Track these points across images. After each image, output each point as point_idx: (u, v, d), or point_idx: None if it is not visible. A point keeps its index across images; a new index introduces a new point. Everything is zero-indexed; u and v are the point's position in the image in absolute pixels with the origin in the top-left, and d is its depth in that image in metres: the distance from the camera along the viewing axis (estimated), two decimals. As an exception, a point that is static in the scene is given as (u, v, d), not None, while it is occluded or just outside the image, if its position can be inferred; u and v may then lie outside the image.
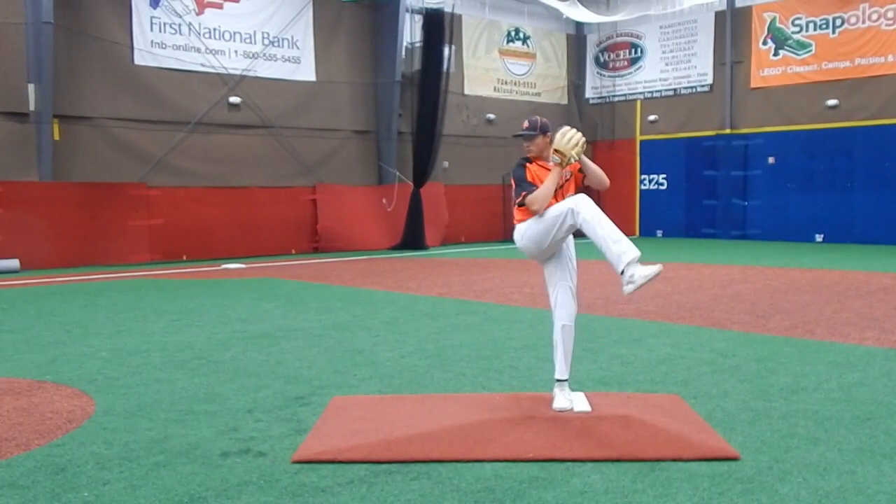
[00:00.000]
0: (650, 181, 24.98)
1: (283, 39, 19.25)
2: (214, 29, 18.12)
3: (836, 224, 20.91)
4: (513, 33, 24.37)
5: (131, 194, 16.54)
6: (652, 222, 24.82)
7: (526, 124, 4.88)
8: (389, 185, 20.72)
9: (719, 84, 23.33)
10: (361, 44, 20.73)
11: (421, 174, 20.20)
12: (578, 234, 4.73)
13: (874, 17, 20.37)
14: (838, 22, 20.96)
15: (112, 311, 9.57)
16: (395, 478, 3.81)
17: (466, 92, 22.94)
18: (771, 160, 22.22)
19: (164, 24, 17.33)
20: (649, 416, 4.64)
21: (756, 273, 13.39)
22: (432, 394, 5.43)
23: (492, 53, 23.80)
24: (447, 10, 20.09)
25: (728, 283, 12.00)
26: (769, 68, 22.29)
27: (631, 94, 25.51)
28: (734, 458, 4.01)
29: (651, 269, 4.43)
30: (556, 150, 4.62)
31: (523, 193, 4.67)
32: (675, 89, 24.45)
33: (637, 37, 25.33)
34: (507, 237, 5.16)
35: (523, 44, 24.72)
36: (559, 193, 4.75)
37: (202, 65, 17.85)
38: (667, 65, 24.63)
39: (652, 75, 24.97)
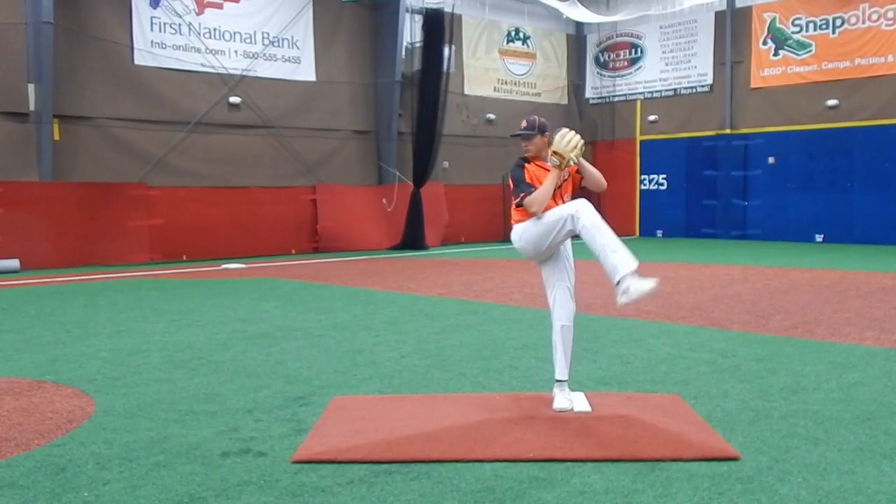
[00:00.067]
0: (650, 181, 24.98)
1: (283, 39, 19.25)
2: (214, 29, 18.12)
3: (836, 224, 20.91)
4: (513, 33, 24.37)
5: (131, 194, 16.54)
6: (652, 222, 24.83)
7: (524, 124, 4.88)
8: (389, 185, 20.72)
9: (719, 84, 23.33)
10: (361, 44, 20.73)
11: (421, 174, 20.20)
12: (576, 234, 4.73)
13: (874, 17, 20.37)
14: (838, 22, 20.96)
15: (112, 311, 9.57)
16: (395, 478, 3.81)
17: (466, 92, 22.94)
18: (771, 160, 22.22)
19: (164, 24, 17.33)
20: (649, 416, 4.64)
21: (756, 273, 13.39)
22: (432, 394, 5.43)
23: (492, 53, 23.81)
24: (447, 10, 20.09)
25: (728, 283, 12.00)
26: (769, 68, 22.29)
27: (631, 94, 25.51)
28: (734, 458, 4.01)
29: (648, 285, 4.36)
30: (554, 153, 4.62)
31: (522, 195, 4.67)
32: (675, 89, 24.45)
33: (637, 37, 25.33)
34: (507, 237, 5.16)
35: (523, 44, 24.72)
36: (557, 194, 4.75)
37: (202, 65, 17.85)
38: (667, 65, 24.63)
39: (652, 75, 24.97)
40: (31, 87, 15.38)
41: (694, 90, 24.01)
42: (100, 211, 16.04)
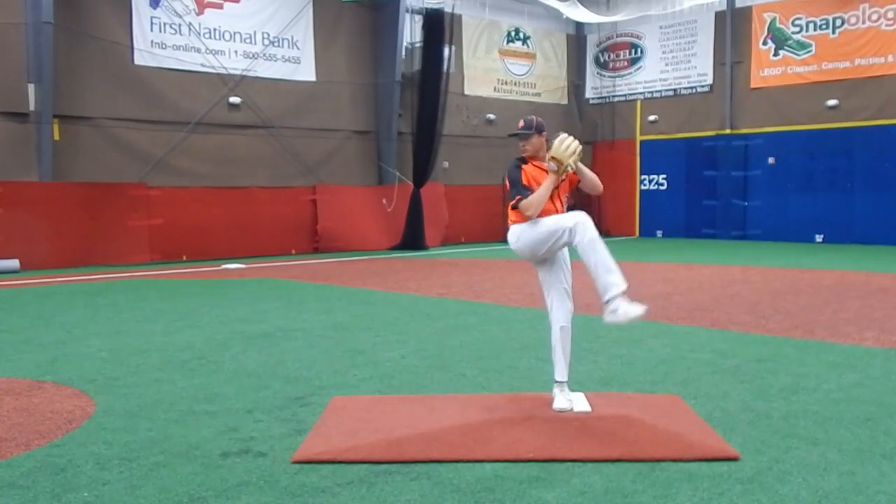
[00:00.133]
0: (650, 181, 24.98)
1: (283, 39, 19.25)
2: (214, 29, 18.12)
3: (836, 224, 20.91)
4: (513, 33, 24.37)
5: (131, 194, 16.54)
6: (652, 222, 24.83)
7: (521, 123, 4.88)
8: (389, 186, 20.72)
9: (719, 84, 23.34)
10: (361, 44, 20.73)
11: (421, 174, 20.20)
12: None
13: (874, 17, 20.38)
14: (838, 22, 20.97)
15: (112, 312, 9.57)
16: (395, 478, 3.81)
17: (466, 92, 22.94)
18: (771, 160, 22.22)
19: (164, 24, 17.33)
20: (649, 416, 4.64)
21: (756, 273, 13.39)
22: (432, 394, 5.43)
23: (492, 54, 23.81)
24: (447, 10, 20.09)
25: (728, 283, 12.00)
26: (769, 68, 22.29)
27: (631, 94, 25.52)
28: (734, 459, 4.01)
29: (636, 310, 4.43)
30: (553, 158, 4.63)
31: (518, 197, 4.68)
32: (675, 89, 24.45)
33: (637, 37, 25.34)
34: (507, 237, 5.18)
35: (523, 44, 24.73)
36: (555, 194, 4.76)
37: (202, 65, 17.86)
38: (667, 65, 24.63)
39: (652, 75, 24.97)
40: (31, 87, 15.38)
41: (694, 90, 24.02)
42: (100, 211, 16.04)
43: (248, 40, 18.69)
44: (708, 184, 23.43)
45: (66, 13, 15.80)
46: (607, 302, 4.48)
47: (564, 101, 25.96)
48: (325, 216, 19.49)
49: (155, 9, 17.19)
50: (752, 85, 22.62)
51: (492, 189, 22.59)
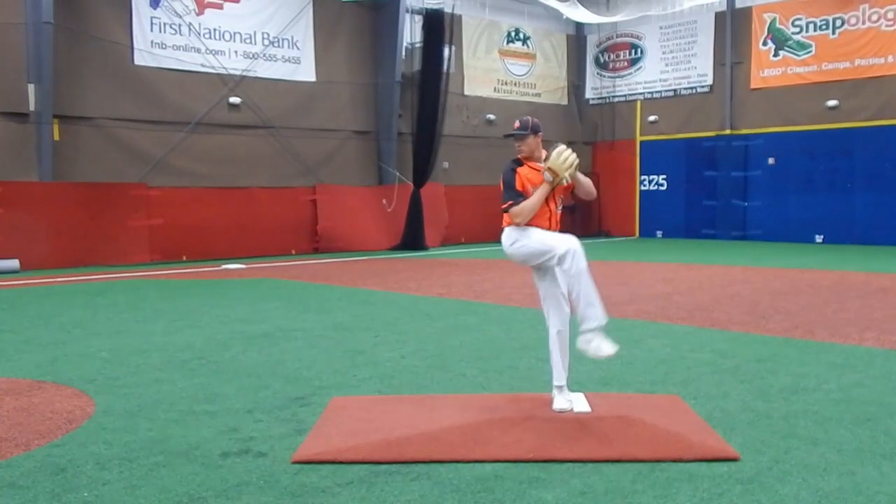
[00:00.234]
0: (650, 182, 24.98)
1: (283, 40, 19.25)
2: (214, 29, 18.12)
3: (836, 225, 20.91)
4: (513, 34, 24.37)
5: (131, 194, 16.54)
6: (652, 223, 24.83)
7: (517, 124, 4.89)
8: (389, 186, 20.72)
9: (719, 85, 23.34)
10: (361, 44, 20.73)
11: (421, 174, 20.19)
12: (572, 233, 4.76)
13: (874, 17, 20.38)
14: (838, 23, 20.97)
15: (112, 312, 9.57)
16: (395, 478, 3.81)
17: (466, 92, 22.94)
18: (771, 161, 22.22)
19: (165, 24, 17.33)
20: (649, 416, 4.65)
21: (756, 274, 13.39)
22: (432, 394, 5.43)
23: (492, 54, 23.81)
24: (447, 10, 20.09)
25: (728, 283, 12.00)
26: (769, 69, 22.29)
27: (631, 94, 25.52)
28: (734, 459, 4.01)
29: (607, 350, 4.59)
30: (549, 168, 4.64)
31: (510, 202, 4.70)
32: (675, 90, 24.45)
33: (637, 37, 25.34)
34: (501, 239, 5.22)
35: (523, 44, 24.72)
36: (550, 196, 4.78)
37: (202, 65, 17.85)
38: (667, 65, 24.63)
39: (652, 76, 24.97)
40: (31, 87, 15.37)
41: (694, 91, 24.02)
42: (100, 211, 16.03)
43: (248, 40, 18.69)
44: (708, 184, 23.43)
45: (66, 13, 15.80)
46: (583, 332, 4.62)
47: (564, 102, 25.96)
48: (325, 216, 19.49)
49: (155, 9, 17.18)
50: (753, 85, 22.62)
51: (492, 189, 22.41)
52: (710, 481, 3.73)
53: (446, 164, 22.11)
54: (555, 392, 4.85)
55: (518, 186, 4.73)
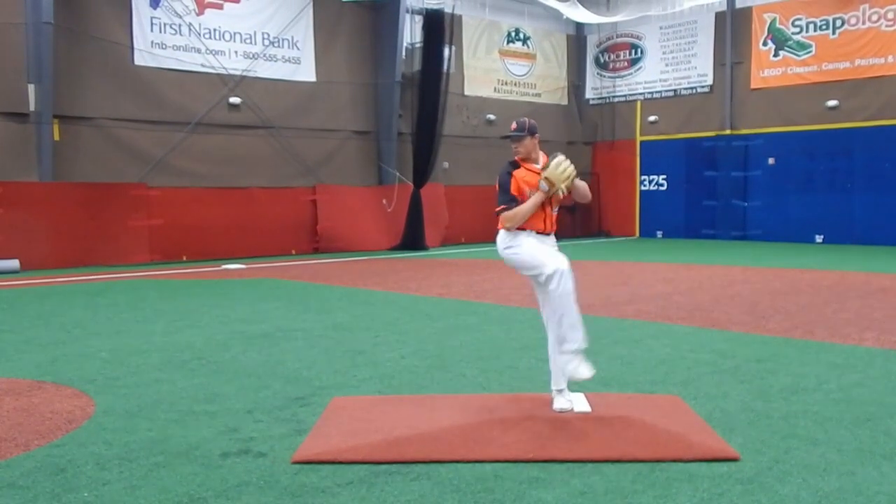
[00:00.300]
0: (650, 182, 24.98)
1: (283, 40, 19.25)
2: (214, 29, 18.12)
3: (836, 225, 20.91)
4: (513, 34, 24.37)
5: (131, 194, 16.53)
6: (652, 223, 24.83)
7: (514, 126, 4.90)
8: (389, 186, 20.72)
9: (719, 85, 23.34)
10: (361, 44, 20.73)
11: (421, 175, 20.19)
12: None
13: (874, 17, 20.38)
14: (838, 23, 20.97)
15: (112, 312, 9.57)
16: (395, 478, 3.81)
17: (466, 92, 22.94)
18: (771, 161, 22.22)
19: (165, 24, 17.33)
20: (649, 416, 4.65)
21: (756, 274, 13.39)
22: (432, 394, 5.43)
23: (492, 54, 23.81)
24: (447, 10, 20.09)
25: (728, 283, 12.00)
26: (769, 69, 22.29)
27: (631, 94, 25.52)
28: (734, 459, 4.01)
29: (583, 375, 4.63)
30: (546, 178, 4.64)
31: (502, 206, 4.72)
32: (675, 90, 24.45)
33: (637, 37, 25.33)
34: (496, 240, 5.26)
35: (523, 44, 24.72)
36: (546, 200, 4.79)
37: (202, 65, 17.85)
38: (667, 65, 24.63)
39: (652, 76, 24.97)
40: (31, 87, 15.37)
41: (694, 91, 24.02)
42: (100, 211, 16.03)
43: (248, 41, 18.69)
44: (708, 184, 23.43)
45: (66, 13, 15.80)
46: (562, 353, 4.65)
47: (564, 102, 25.96)
48: (325, 216, 19.49)
49: (155, 9, 17.18)
50: (753, 85, 22.62)
51: (492, 189, 22.10)
52: (710, 481, 3.73)
53: (446, 165, 22.11)
54: (554, 393, 4.86)
55: (513, 190, 4.75)
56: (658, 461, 3.99)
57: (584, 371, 4.64)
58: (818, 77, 21.34)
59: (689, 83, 24.13)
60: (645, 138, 25.04)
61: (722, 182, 23.07)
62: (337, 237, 19.50)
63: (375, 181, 21.19)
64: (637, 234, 25.11)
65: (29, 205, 15.14)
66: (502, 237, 4.87)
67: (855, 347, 6.91)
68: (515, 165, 4.87)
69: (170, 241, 16.98)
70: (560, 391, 4.85)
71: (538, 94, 25.12)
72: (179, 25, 17.55)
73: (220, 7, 18.24)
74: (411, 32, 21.04)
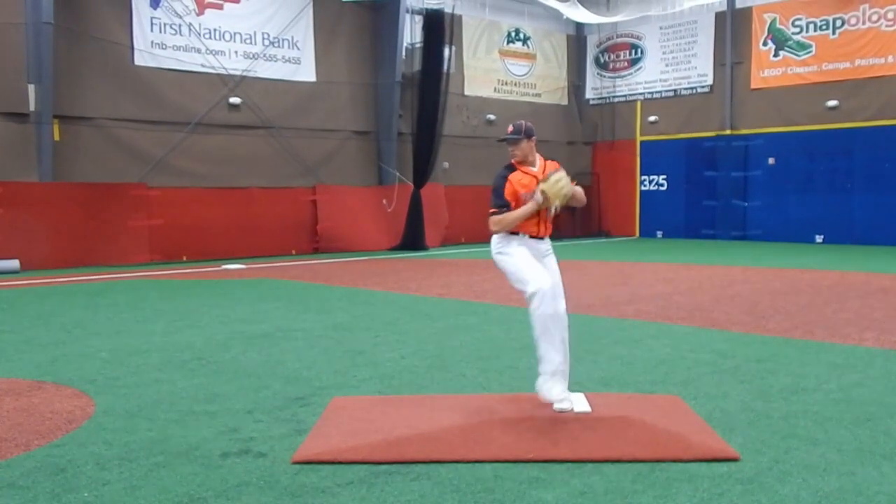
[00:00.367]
0: (650, 182, 24.98)
1: (283, 40, 19.25)
2: (214, 29, 18.12)
3: (836, 225, 20.91)
4: (513, 34, 24.37)
5: (131, 194, 16.53)
6: (652, 223, 24.83)
7: (510, 128, 4.89)
8: (389, 186, 20.72)
9: (719, 85, 23.34)
10: (361, 44, 20.73)
11: (421, 175, 20.19)
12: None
13: (874, 18, 20.38)
14: (838, 23, 20.97)
15: (112, 312, 9.57)
16: (395, 478, 3.81)
17: (467, 92, 22.94)
18: (771, 161, 22.22)
19: (165, 24, 17.33)
20: (649, 416, 4.65)
21: (756, 274, 13.39)
22: (432, 394, 5.43)
23: (492, 54, 23.80)
24: (447, 10, 20.09)
25: (728, 283, 12.00)
26: (769, 69, 22.29)
27: (631, 94, 25.52)
28: (734, 459, 4.01)
29: (555, 397, 4.60)
30: (542, 191, 4.62)
31: (493, 210, 4.72)
32: (675, 90, 24.45)
33: (637, 38, 25.33)
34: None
35: (523, 44, 24.72)
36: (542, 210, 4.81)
37: (202, 65, 17.85)
38: (667, 66, 24.63)
39: (652, 76, 24.97)
40: (31, 87, 15.37)
41: (694, 91, 24.02)
42: (100, 211, 16.03)
43: (248, 41, 18.69)
44: (708, 184, 23.43)
45: (66, 13, 15.80)
46: (541, 374, 4.68)
47: (564, 102, 25.97)
48: (325, 216, 19.49)
49: (155, 9, 17.18)
50: (753, 85, 22.62)
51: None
52: (710, 481, 3.73)
53: (446, 165, 22.11)
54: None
55: (507, 194, 4.74)
56: (658, 461, 3.99)
57: (557, 393, 4.59)
58: (818, 77, 21.34)
59: (689, 83, 24.13)
60: (645, 138, 25.04)
61: (722, 182, 23.07)
62: (337, 237, 19.50)
63: (375, 181, 21.19)
64: (637, 234, 25.11)
65: (29, 205, 15.14)
66: (496, 240, 4.87)
67: (855, 347, 6.91)
68: (511, 169, 4.86)
69: (170, 242, 16.98)
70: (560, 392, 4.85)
71: (538, 95, 25.12)
72: (179, 25, 17.55)
73: (220, 7, 18.24)
74: (411, 32, 21.04)
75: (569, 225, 23.11)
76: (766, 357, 6.53)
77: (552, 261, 4.94)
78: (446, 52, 19.90)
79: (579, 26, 26.22)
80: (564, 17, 24.40)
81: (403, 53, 20.76)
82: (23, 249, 14.93)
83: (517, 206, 4.75)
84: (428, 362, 6.47)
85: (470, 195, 22.36)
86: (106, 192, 16.18)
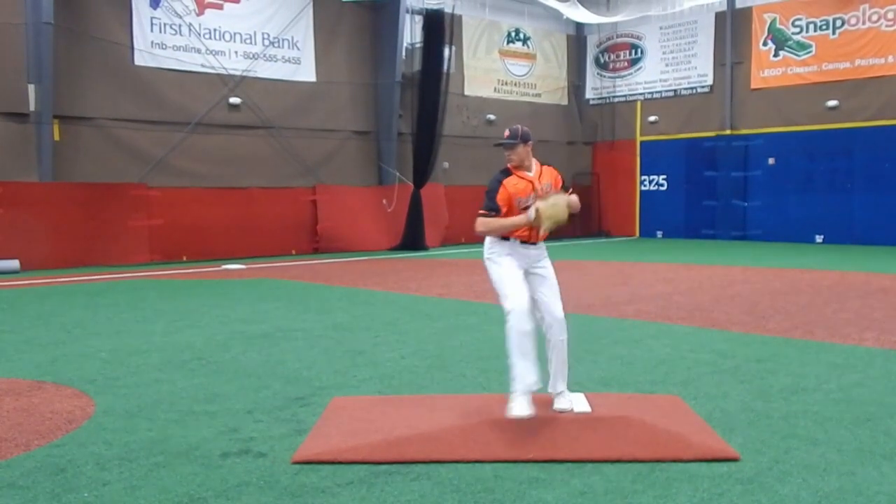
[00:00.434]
0: (650, 182, 24.98)
1: (283, 40, 19.25)
2: (214, 29, 18.12)
3: (836, 225, 20.91)
4: (513, 34, 24.37)
5: (131, 194, 16.53)
6: (652, 223, 24.83)
7: (507, 133, 4.87)
8: (389, 186, 20.72)
9: (719, 85, 23.34)
10: (361, 44, 20.73)
11: (421, 175, 20.19)
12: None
13: (874, 18, 20.38)
14: (838, 23, 20.97)
15: (112, 312, 9.57)
16: (395, 478, 3.81)
17: (467, 92, 22.94)
18: (771, 161, 22.22)
19: (165, 24, 17.33)
20: (649, 416, 4.64)
21: (756, 274, 13.39)
22: (432, 394, 5.43)
23: (492, 54, 23.80)
24: (447, 10, 20.09)
25: (728, 283, 12.00)
26: (769, 69, 22.29)
27: (631, 94, 25.52)
28: (734, 459, 4.01)
29: (518, 413, 4.50)
30: (537, 209, 4.59)
31: (482, 212, 4.71)
32: (675, 90, 24.45)
33: (637, 38, 25.33)
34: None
35: (523, 44, 24.72)
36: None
37: (202, 65, 17.85)
38: (667, 66, 24.63)
39: (652, 76, 24.97)
40: (31, 88, 15.37)
41: (694, 91, 24.01)
42: (100, 211, 16.03)
43: (248, 41, 18.69)
44: (708, 184, 23.43)
45: (66, 13, 15.79)
46: (513, 391, 4.59)
47: (564, 102, 25.96)
48: (325, 216, 19.49)
49: (155, 9, 17.18)
50: (753, 86, 22.62)
51: (492, 190, 22.55)
52: (710, 481, 3.73)
53: (446, 165, 22.10)
54: (554, 394, 4.86)
55: (498, 198, 4.71)
56: (658, 461, 3.99)
57: (517, 411, 4.52)
58: (818, 77, 21.34)
59: (689, 83, 24.13)
60: (645, 138, 25.04)
61: (722, 182, 23.07)
62: (337, 237, 19.50)
63: (375, 181, 21.19)
64: (637, 234, 25.11)
65: (29, 205, 15.14)
66: (488, 242, 4.84)
67: (855, 347, 6.92)
68: (507, 173, 4.83)
69: (170, 241, 16.98)
70: (560, 392, 4.84)
71: (538, 95, 25.12)
72: (179, 25, 17.55)
73: (220, 7, 18.24)
74: (411, 32, 21.04)
75: (569, 225, 23.07)
76: (766, 357, 6.53)
77: (547, 265, 4.88)
78: (446, 52, 19.90)
79: (579, 26, 26.22)
80: (564, 17, 24.40)
81: (403, 53, 20.76)
82: (23, 249, 14.93)
83: (509, 211, 4.70)
84: (428, 362, 6.47)
85: (470, 195, 22.28)
86: (106, 192, 16.18)
